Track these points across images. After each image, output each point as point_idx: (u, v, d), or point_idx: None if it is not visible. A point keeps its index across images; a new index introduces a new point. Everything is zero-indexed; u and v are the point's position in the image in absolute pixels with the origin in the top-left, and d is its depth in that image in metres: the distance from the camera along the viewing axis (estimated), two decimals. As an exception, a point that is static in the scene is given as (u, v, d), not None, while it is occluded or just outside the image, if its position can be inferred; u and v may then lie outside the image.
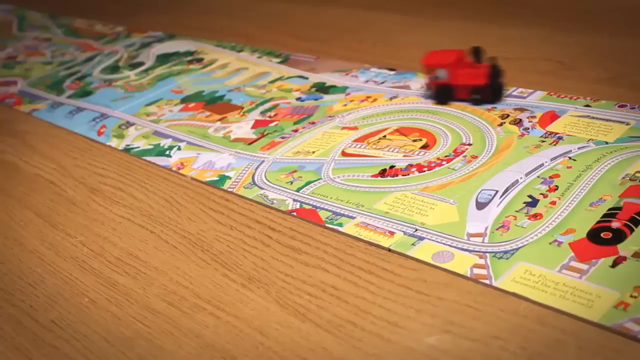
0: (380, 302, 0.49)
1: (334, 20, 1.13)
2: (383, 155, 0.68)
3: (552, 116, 0.68)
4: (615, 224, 0.51)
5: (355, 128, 0.75)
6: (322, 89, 0.87)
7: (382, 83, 0.85)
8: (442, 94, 0.75)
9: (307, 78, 0.91)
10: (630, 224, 0.51)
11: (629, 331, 0.42)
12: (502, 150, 0.64)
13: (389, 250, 0.54)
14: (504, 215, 0.55)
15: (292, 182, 0.66)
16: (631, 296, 0.44)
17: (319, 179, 0.66)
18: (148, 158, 0.77)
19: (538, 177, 0.59)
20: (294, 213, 0.62)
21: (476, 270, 0.50)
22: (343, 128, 0.75)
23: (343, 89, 0.85)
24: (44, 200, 0.73)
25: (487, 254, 0.51)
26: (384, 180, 0.64)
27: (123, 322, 0.53)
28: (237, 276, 0.55)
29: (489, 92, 0.73)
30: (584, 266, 0.48)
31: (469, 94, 0.73)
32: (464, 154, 0.65)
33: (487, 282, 0.49)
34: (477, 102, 0.73)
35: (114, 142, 0.83)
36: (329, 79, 0.89)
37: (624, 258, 0.48)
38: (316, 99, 0.84)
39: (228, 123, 0.82)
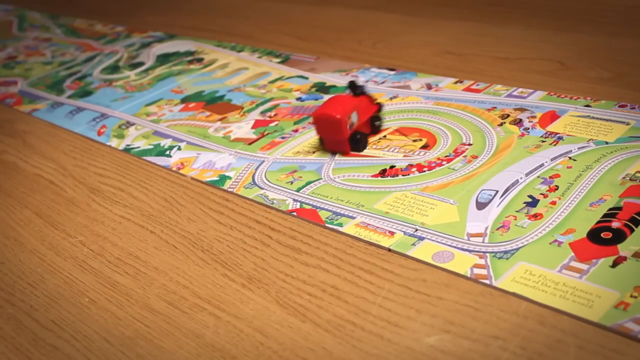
0: (380, 302, 0.49)
1: (334, 20, 1.13)
2: (383, 155, 0.68)
3: (552, 116, 0.68)
4: (615, 224, 0.51)
5: (355, 128, 0.75)
6: (322, 89, 0.86)
7: (382, 83, 0.85)
8: None
9: (307, 78, 0.91)
10: (630, 224, 0.51)
11: (629, 331, 0.42)
12: (502, 150, 0.64)
13: (389, 250, 0.54)
14: (504, 215, 0.55)
15: (292, 182, 0.66)
16: (631, 296, 0.44)
17: (319, 179, 0.66)
18: (148, 158, 0.77)
19: (538, 177, 0.59)
20: (294, 213, 0.62)
21: (476, 270, 0.50)
22: (343, 128, 0.75)
23: (343, 89, 0.85)
24: (44, 200, 0.73)
25: (487, 254, 0.51)
26: (384, 180, 0.64)
27: (123, 322, 0.53)
28: (237, 276, 0.55)
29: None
30: (584, 266, 0.48)
31: None
32: (464, 154, 0.65)
33: (487, 282, 0.49)
34: None
35: (114, 142, 0.83)
36: (329, 79, 0.89)
37: (624, 258, 0.48)
38: (316, 99, 0.84)
39: (228, 123, 0.82)
